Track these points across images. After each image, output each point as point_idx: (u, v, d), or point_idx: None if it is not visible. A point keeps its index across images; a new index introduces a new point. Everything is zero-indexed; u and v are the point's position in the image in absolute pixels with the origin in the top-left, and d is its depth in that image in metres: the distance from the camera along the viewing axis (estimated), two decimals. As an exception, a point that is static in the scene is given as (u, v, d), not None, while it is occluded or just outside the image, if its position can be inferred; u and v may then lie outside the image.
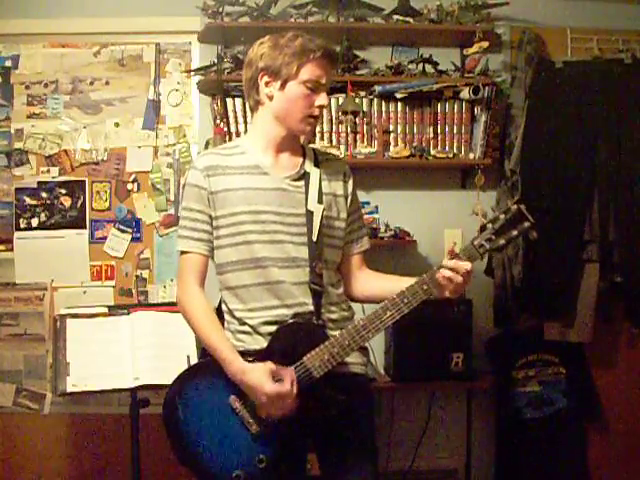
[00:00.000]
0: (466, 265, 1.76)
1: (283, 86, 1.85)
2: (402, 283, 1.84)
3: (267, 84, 1.87)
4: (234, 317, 1.90)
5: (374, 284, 1.99)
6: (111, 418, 3.14)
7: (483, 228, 1.77)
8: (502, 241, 1.76)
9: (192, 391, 1.85)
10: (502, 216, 1.76)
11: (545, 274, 3.08)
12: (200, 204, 1.89)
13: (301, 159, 1.96)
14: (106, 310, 2.65)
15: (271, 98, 1.88)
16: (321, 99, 1.86)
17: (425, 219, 3.23)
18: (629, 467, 3.29)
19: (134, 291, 3.23)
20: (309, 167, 1.94)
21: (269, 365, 1.76)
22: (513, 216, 1.76)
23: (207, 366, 1.88)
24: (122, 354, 2.52)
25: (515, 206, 1.76)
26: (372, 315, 1.80)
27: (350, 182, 2.02)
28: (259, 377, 1.75)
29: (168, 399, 1.87)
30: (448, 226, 3.22)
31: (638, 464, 3.29)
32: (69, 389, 2.43)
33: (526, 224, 1.75)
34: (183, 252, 1.91)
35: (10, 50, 3.22)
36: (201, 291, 1.89)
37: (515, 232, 1.76)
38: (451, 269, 1.76)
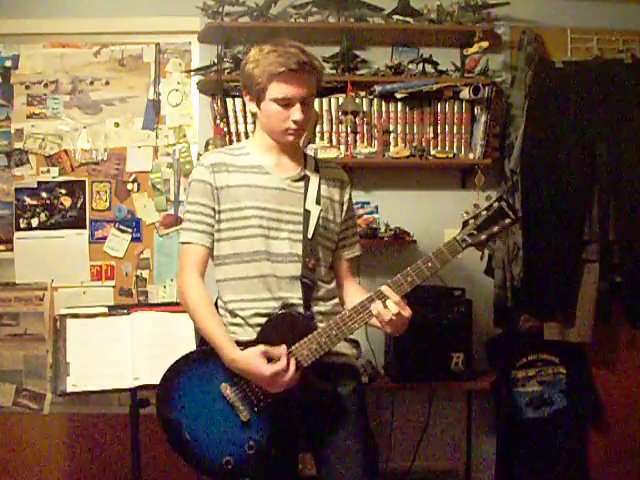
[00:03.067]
0: (393, 311, 1.78)
1: (258, 105, 1.93)
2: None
3: (250, 101, 1.96)
4: (227, 309, 1.96)
5: (352, 299, 1.97)
6: (111, 418, 3.15)
7: (465, 224, 1.83)
8: (483, 236, 1.82)
9: (185, 378, 1.89)
10: (484, 212, 1.82)
11: (545, 274, 3.07)
12: (205, 198, 1.94)
13: (302, 163, 2.03)
14: (106, 310, 2.66)
15: (256, 113, 1.97)
16: (294, 114, 1.89)
17: (425, 219, 3.23)
18: (629, 467, 3.30)
19: (134, 291, 3.23)
20: (309, 171, 2.02)
21: (260, 348, 1.80)
22: (495, 212, 1.82)
23: (200, 354, 1.93)
24: (122, 354, 2.52)
25: (497, 203, 1.82)
26: (358, 306, 1.84)
27: (347, 190, 2.09)
28: (254, 362, 1.79)
29: (161, 385, 1.91)
30: (448, 226, 3.21)
31: (638, 464, 3.30)
32: (69, 389, 2.43)
33: (507, 220, 1.81)
34: (186, 243, 1.96)
35: (10, 50, 3.22)
36: (201, 281, 1.94)
37: (496, 228, 1.82)
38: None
